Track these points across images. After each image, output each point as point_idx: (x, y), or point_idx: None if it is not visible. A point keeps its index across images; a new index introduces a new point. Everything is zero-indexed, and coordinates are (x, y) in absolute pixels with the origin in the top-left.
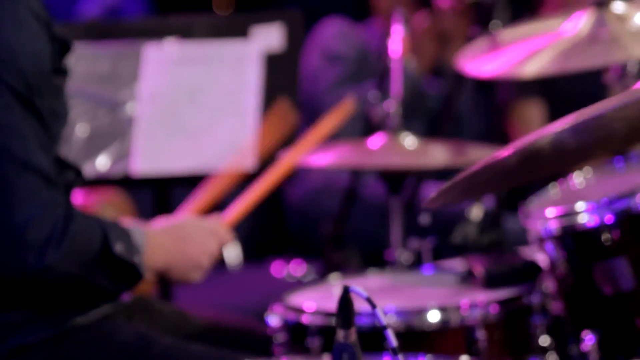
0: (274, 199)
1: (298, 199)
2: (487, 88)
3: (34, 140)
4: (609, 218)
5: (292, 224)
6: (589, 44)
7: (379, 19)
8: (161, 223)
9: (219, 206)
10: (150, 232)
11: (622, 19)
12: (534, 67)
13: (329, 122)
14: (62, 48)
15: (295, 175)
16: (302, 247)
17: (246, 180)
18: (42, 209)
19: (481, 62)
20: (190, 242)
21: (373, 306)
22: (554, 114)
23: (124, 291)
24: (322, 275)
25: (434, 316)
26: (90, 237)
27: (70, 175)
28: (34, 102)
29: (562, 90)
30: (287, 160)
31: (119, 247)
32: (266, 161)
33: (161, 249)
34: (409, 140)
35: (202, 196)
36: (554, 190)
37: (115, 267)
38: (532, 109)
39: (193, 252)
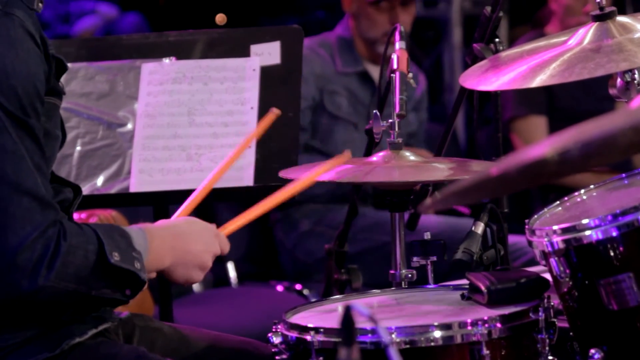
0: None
1: (287, 242)
2: (491, 104)
3: (27, 162)
4: (614, 233)
5: (285, 264)
6: (593, 55)
7: (348, 19)
8: (163, 222)
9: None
10: (154, 230)
11: (626, 28)
12: (539, 79)
13: (331, 163)
14: (58, 68)
15: (284, 218)
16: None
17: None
18: (34, 231)
19: (485, 77)
20: (194, 239)
21: (375, 324)
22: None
23: (130, 297)
24: (324, 293)
25: (438, 334)
26: (85, 252)
27: (68, 193)
28: (28, 123)
29: (565, 108)
30: (288, 191)
31: (115, 257)
32: (264, 178)
33: (165, 245)
34: (411, 156)
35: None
36: (558, 206)
37: (114, 276)
38: (537, 126)
39: (197, 249)
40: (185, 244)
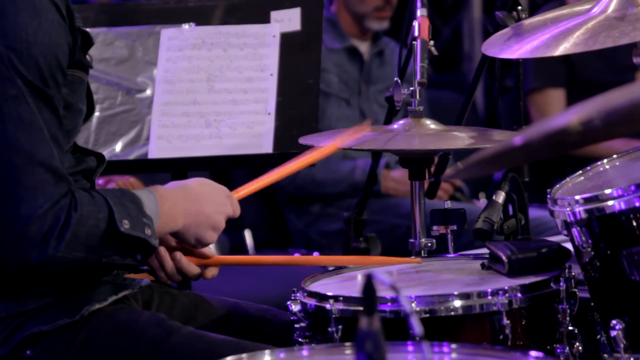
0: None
1: (299, 224)
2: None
3: (44, 133)
4: (637, 203)
5: (298, 245)
6: (617, 23)
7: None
8: (175, 184)
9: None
10: (165, 192)
11: None
12: (562, 47)
13: (349, 135)
14: (84, 41)
15: (294, 203)
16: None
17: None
18: (46, 203)
19: (507, 45)
20: (206, 200)
21: (397, 293)
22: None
23: (141, 262)
24: None
25: (458, 303)
26: (96, 221)
27: (91, 162)
28: (47, 94)
29: (586, 80)
30: (307, 159)
31: (125, 225)
32: (284, 145)
33: (178, 207)
34: (432, 124)
35: None
36: (580, 176)
37: (125, 243)
38: (554, 99)
39: (210, 210)
40: (198, 205)
